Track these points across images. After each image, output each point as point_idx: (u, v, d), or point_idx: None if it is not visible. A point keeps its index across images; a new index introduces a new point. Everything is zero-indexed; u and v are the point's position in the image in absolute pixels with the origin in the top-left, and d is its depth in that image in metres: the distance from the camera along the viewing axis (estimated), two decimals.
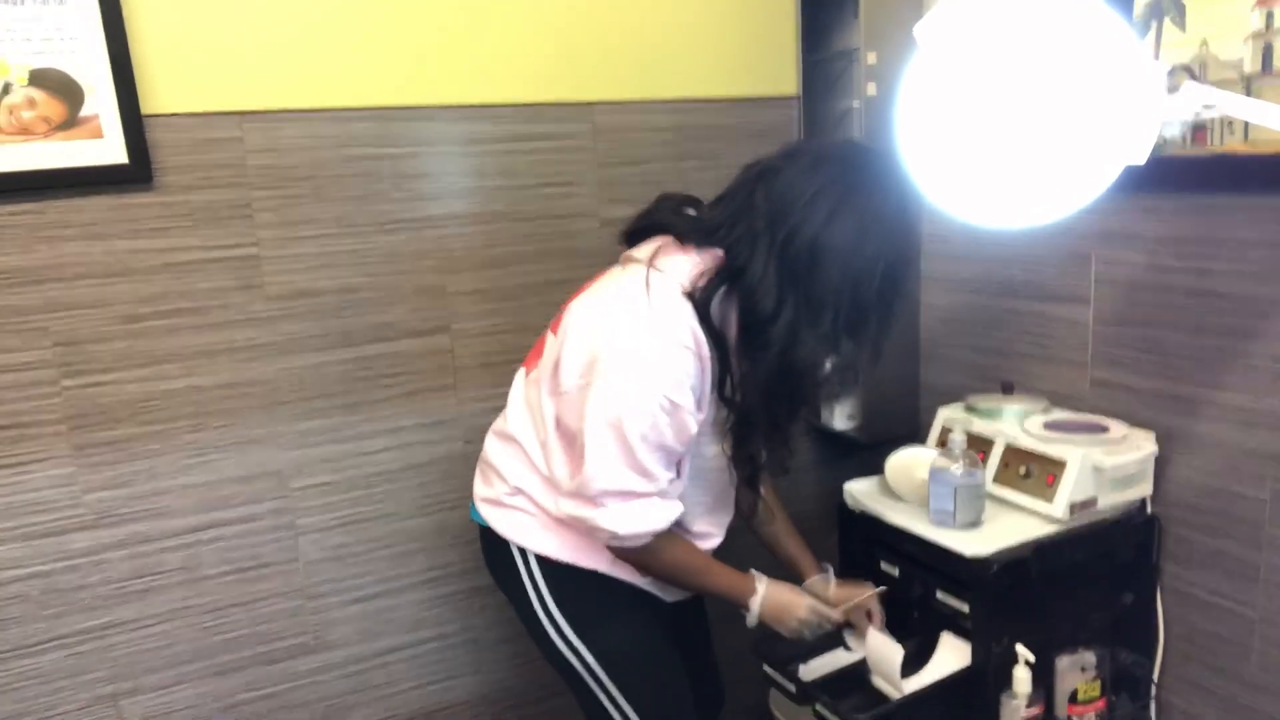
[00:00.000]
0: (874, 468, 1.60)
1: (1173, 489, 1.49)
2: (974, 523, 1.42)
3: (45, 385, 1.45)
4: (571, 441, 1.25)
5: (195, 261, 1.52)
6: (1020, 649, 1.38)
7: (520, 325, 1.77)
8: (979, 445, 1.54)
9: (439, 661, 1.83)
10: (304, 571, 1.68)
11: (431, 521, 1.77)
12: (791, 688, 1.51)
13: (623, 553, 1.29)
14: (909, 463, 1.53)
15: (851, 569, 1.60)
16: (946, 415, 1.65)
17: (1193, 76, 1.35)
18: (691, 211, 1.29)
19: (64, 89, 1.36)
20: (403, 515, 1.74)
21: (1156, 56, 1.39)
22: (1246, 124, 1.30)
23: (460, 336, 1.73)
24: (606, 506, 1.21)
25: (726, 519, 1.42)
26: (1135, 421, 1.51)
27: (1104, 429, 1.49)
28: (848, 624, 1.52)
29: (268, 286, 1.57)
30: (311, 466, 1.66)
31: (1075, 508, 1.41)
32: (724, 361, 1.21)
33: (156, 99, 1.44)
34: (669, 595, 1.42)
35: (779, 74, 1.89)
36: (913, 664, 1.46)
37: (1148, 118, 0.95)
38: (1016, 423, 1.55)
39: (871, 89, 1.72)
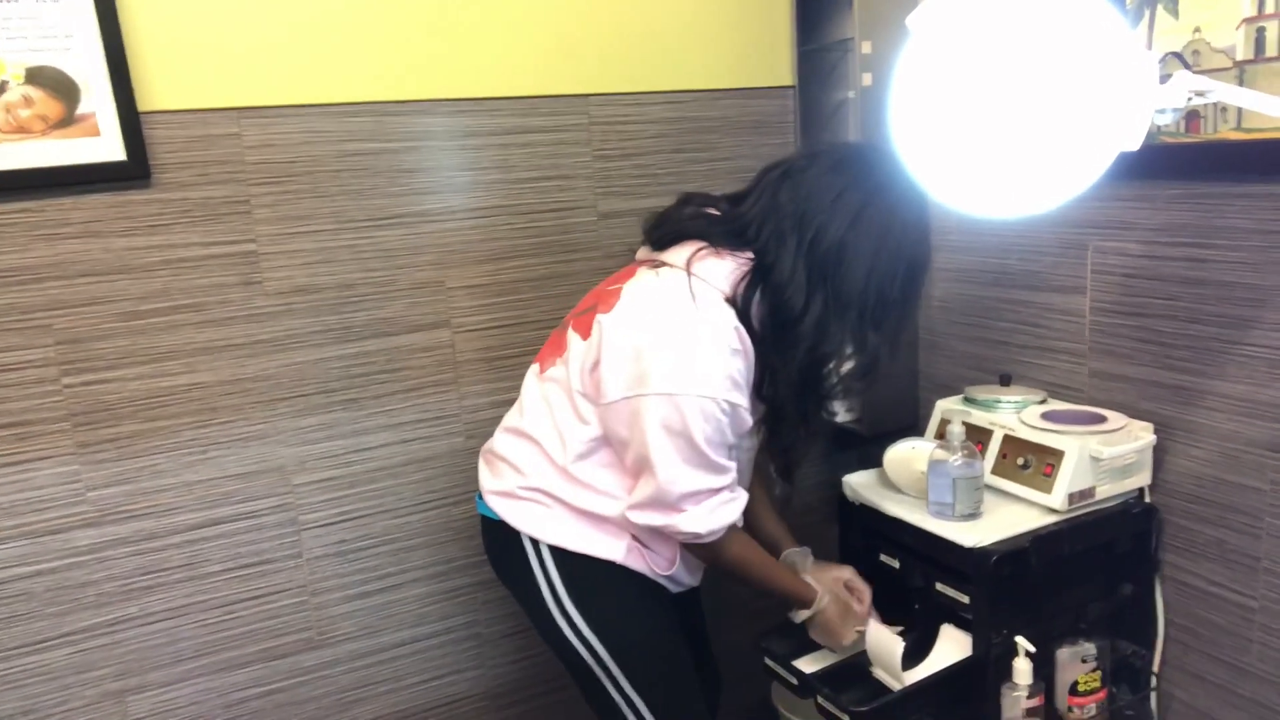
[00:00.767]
0: (873, 460, 1.60)
1: (1171, 479, 1.49)
2: (973, 514, 1.43)
3: (48, 383, 1.46)
4: (623, 449, 1.26)
5: (195, 258, 1.52)
6: (1020, 640, 1.38)
7: (520, 319, 1.77)
8: (977, 436, 1.54)
9: (443, 656, 1.84)
10: (307, 567, 1.69)
11: (434, 516, 1.77)
12: (793, 680, 1.51)
13: (697, 550, 1.32)
14: (908, 455, 1.53)
15: (852, 561, 1.60)
16: (945, 407, 1.65)
17: (1185, 64, 1.35)
18: (715, 212, 1.30)
19: (60, 87, 1.37)
20: (405, 510, 1.75)
21: (1150, 44, 1.39)
22: (1240, 111, 1.30)
23: (460, 331, 1.73)
24: (687, 510, 1.24)
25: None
26: (1133, 412, 1.51)
27: (1102, 419, 1.49)
28: None
29: (267, 282, 1.58)
30: (313, 462, 1.66)
31: (1074, 498, 1.41)
32: (762, 359, 1.24)
33: (153, 96, 1.45)
34: (674, 586, 1.42)
35: (774, 65, 1.89)
36: (913, 656, 1.46)
37: (1140, 105, 0.95)
38: (1014, 414, 1.55)
39: (867, 79, 1.72)
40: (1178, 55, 1.36)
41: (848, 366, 1.29)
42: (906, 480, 1.53)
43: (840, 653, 1.51)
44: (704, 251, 1.25)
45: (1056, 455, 1.43)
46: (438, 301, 1.70)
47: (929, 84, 1.02)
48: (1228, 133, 1.33)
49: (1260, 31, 1.27)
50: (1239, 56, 1.30)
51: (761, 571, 1.40)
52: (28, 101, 1.35)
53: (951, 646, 1.45)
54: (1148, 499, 1.51)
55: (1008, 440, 1.51)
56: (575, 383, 1.30)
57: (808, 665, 1.53)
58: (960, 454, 1.41)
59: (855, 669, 1.52)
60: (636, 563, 1.35)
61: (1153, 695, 1.55)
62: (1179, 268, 1.43)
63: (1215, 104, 1.29)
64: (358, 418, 1.68)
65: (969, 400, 1.63)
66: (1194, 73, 1.13)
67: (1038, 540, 1.38)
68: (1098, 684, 1.47)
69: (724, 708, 1.68)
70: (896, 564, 1.53)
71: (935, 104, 1.01)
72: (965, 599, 1.40)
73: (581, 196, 1.79)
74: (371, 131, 1.60)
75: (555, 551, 1.33)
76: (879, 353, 1.26)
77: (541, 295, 1.78)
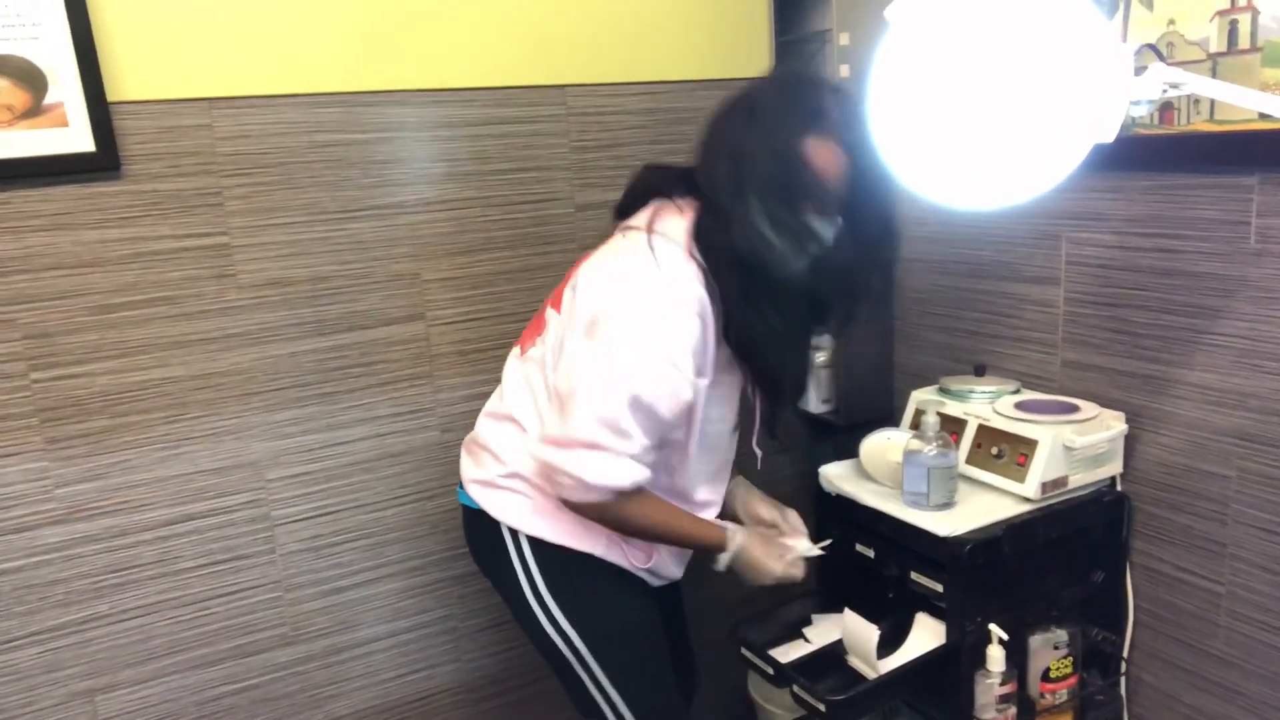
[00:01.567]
0: (849, 451, 1.61)
1: (1142, 467, 1.51)
2: (947, 503, 1.44)
3: (15, 379, 1.44)
4: (564, 401, 1.25)
5: (166, 251, 1.50)
6: (994, 628, 1.39)
7: (496, 312, 1.76)
8: (952, 426, 1.55)
9: (419, 650, 1.83)
10: (281, 563, 1.67)
11: (409, 511, 1.76)
12: (769, 670, 1.52)
13: (585, 509, 1.26)
14: (883, 445, 1.55)
15: (830, 552, 1.61)
16: (919, 397, 1.67)
17: (1159, 56, 1.36)
18: (670, 168, 1.34)
19: (27, 77, 1.34)
20: (379, 505, 1.74)
21: (1125, 36, 1.41)
22: (1213, 103, 1.32)
23: (435, 324, 1.72)
24: (575, 452, 1.21)
25: (724, 487, 1.45)
26: (1105, 401, 1.53)
27: (1074, 409, 1.51)
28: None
29: (240, 275, 1.56)
30: (287, 457, 1.65)
31: (1046, 487, 1.43)
32: (729, 311, 1.23)
33: (123, 86, 1.42)
34: (655, 580, 1.42)
35: (751, 55, 1.89)
36: (888, 644, 1.47)
37: (1115, 97, 0.96)
38: (988, 404, 1.57)
39: (844, 70, 1.72)
40: (1152, 47, 1.38)
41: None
42: (882, 470, 1.54)
43: (774, 581, 1.41)
44: (665, 209, 1.27)
45: (1030, 445, 1.44)
46: (412, 294, 1.69)
47: (907, 76, 1.02)
48: (1200, 125, 1.35)
49: (1233, 24, 1.29)
50: (1212, 49, 1.31)
51: (673, 530, 1.34)
52: None
53: (926, 635, 1.47)
54: (1119, 487, 1.53)
55: (982, 430, 1.53)
56: (552, 360, 1.30)
57: (784, 655, 1.54)
58: (935, 444, 1.42)
59: (831, 657, 1.54)
60: (616, 556, 1.35)
61: (1123, 680, 1.58)
62: (1151, 259, 1.45)
63: (1188, 96, 1.30)
64: (332, 412, 1.67)
65: (943, 391, 1.65)
66: (1168, 65, 1.14)
67: (1011, 529, 1.39)
68: (1069, 670, 1.49)
69: (701, 697, 1.69)
70: (872, 553, 1.54)
71: (913, 96, 1.02)
72: (939, 587, 1.42)
73: (558, 188, 1.78)
74: (345, 122, 1.58)
75: (534, 543, 1.33)
76: (830, 255, 1.25)
77: (518, 288, 1.77)
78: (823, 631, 1.59)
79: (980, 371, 1.66)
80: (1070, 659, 1.49)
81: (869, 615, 1.48)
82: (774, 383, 1.34)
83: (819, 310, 1.34)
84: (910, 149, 1.04)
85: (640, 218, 1.29)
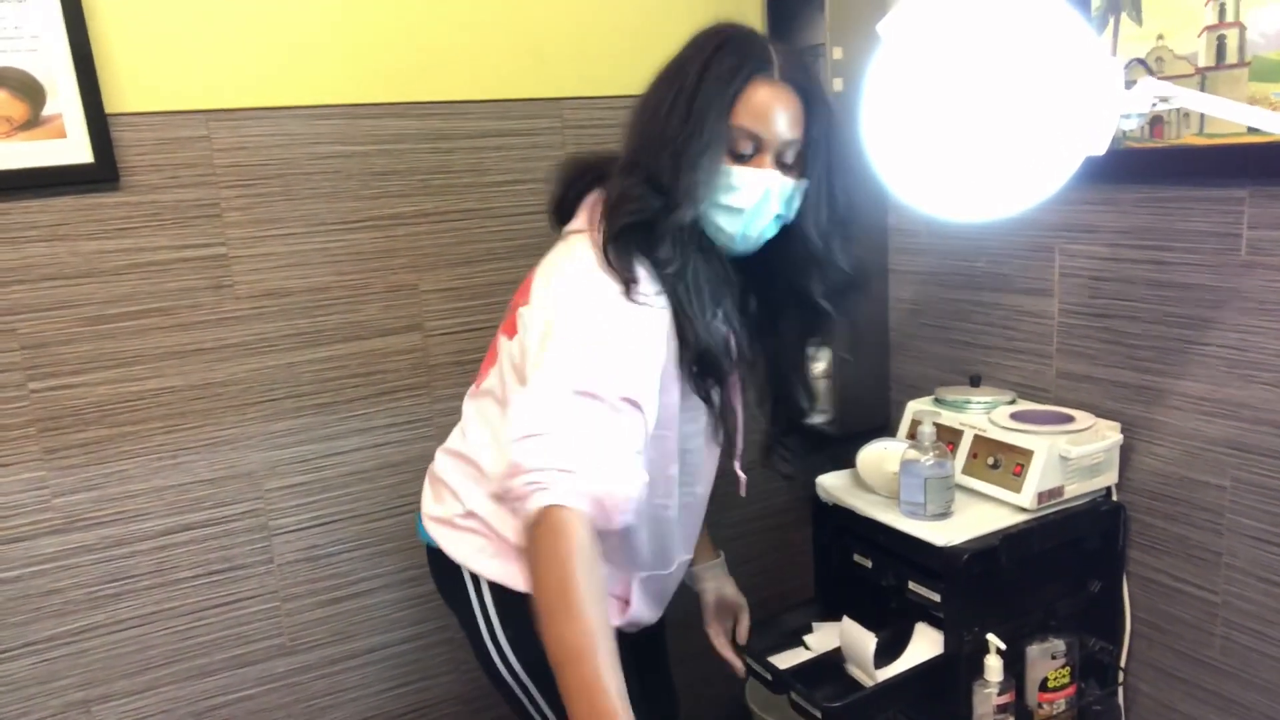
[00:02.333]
0: (846, 461, 1.62)
1: (1137, 477, 1.52)
2: (944, 513, 1.44)
3: (12, 389, 1.44)
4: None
5: (164, 261, 1.51)
6: (991, 638, 1.39)
7: (494, 323, 1.74)
8: (948, 437, 1.56)
9: (415, 661, 1.83)
10: (278, 573, 1.67)
11: (406, 521, 1.76)
12: (768, 676, 1.52)
13: (536, 533, 0.95)
14: (880, 455, 1.55)
15: (825, 562, 1.62)
16: (915, 408, 1.67)
17: (1149, 70, 1.38)
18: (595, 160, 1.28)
19: (25, 88, 1.35)
20: (377, 515, 1.74)
21: (1114, 51, 1.42)
22: (1202, 117, 1.33)
23: (433, 335, 1.73)
24: (529, 441, 0.98)
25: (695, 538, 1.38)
26: (1100, 412, 1.54)
27: (1070, 419, 1.51)
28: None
29: (237, 286, 1.56)
30: (284, 467, 1.65)
31: (1043, 497, 1.44)
32: (687, 305, 1.13)
33: (121, 98, 1.43)
34: (629, 628, 1.33)
35: None
36: (887, 653, 1.47)
37: (1105, 111, 0.97)
38: (984, 414, 1.57)
39: (838, 84, 1.73)
40: (1142, 62, 1.39)
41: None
42: (879, 480, 1.55)
43: None
44: (599, 204, 1.17)
45: (1026, 455, 1.45)
46: (410, 305, 1.70)
47: (899, 90, 1.03)
48: (1190, 138, 1.36)
49: (1221, 39, 1.30)
50: (1201, 63, 1.33)
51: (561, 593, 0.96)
52: None
53: (925, 644, 1.47)
54: (1115, 497, 1.53)
55: (978, 440, 1.53)
56: (511, 385, 1.20)
57: (783, 661, 1.54)
58: (931, 454, 1.42)
59: (830, 666, 1.54)
60: None
61: (1120, 690, 1.58)
62: (1143, 270, 1.46)
63: (1178, 110, 1.32)
64: (329, 422, 1.67)
65: (939, 401, 1.65)
66: (1157, 79, 1.15)
67: (1008, 539, 1.40)
68: (1067, 680, 1.49)
69: (698, 708, 1.69)
70: (869, 563, 1.55)
71: (905, 110, 1.03)
72: (937, 597, 1.42)
73: None
74: (343, 134, 1.59)
75: (495, 589, 1.24)
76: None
77: None
78: (823, 639, 1.59)
79: (976, 382, 1.67)
80: (1068, 669, 1.49)
81: (868, 625, 1.49)
82: (759, 396, 1.28)
83: (797, 307, 1.26)
84: (904, 162, 1.05)
85: (580, 219, 1.21)
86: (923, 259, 1.84)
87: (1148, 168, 1.42)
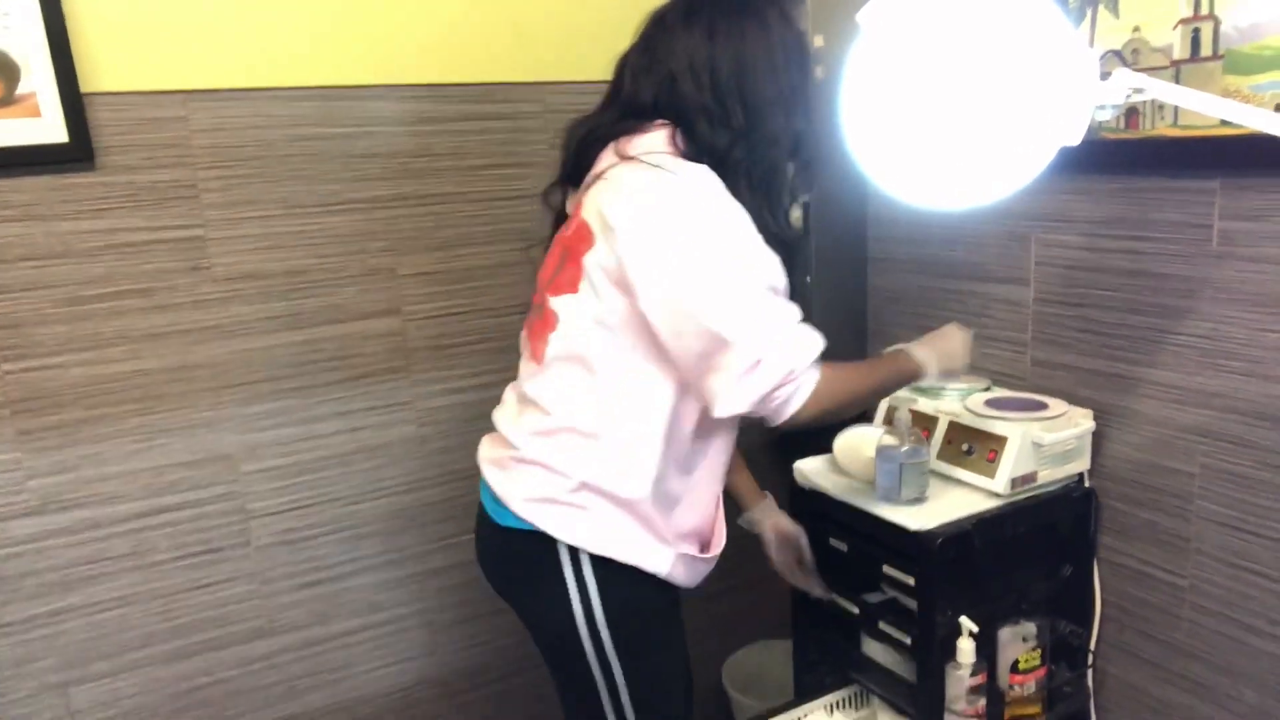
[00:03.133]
0: (824, 446, 1.63)
1: (1109, 464, 1.54)
2: (919, 498, 1.46)
3: None
4: (685, 352, 1.15)
5: (140, 243, 1.49)
6: (964, 620, 1.42)
7: (473, 307, 1.77)
8: (923, 423, 1.58)
9: (394, 644, 1.83)
10: (256, 555, 1.67)
11: (385, 504, 1.77)
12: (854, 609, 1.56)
13: (810, 407, 1.16)
14: (856, 441, 1.57)
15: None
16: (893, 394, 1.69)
17: (1124, 62, 1.39)
18: (602, 116, 1.28)
19: None
20: (355, 498, 1.74)
21: (1091, 42, 1.43)
22: (1177, 109, 1.35)
23: (412, 319, 1.72)
24: (767, 360, 1.12)
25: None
26: (1074, 399, 1.56)
27: (1043, 406, 1.53)
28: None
29: (215, 268, 1.55)
30: (262, 450, 1.65)
31: (1016, 482, 1.45)
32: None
33: (97, 77, 1.42)
34: (689, 591, 1.35)
35: None
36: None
37: (1081, 101, 0.98)
38: (959, 401, 1.59)
39: (819, 72, 1.74)
40: (1117, 53, 1.40)
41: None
42: (855, 466, 1.56)
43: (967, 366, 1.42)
44: (628, 142, 1.20)
45: (999, 441, 1.47)
46: (389, 288, 1.69)
47: (878, 79, 1.04)
48: (1165, 129, 1.38)
49: (1195, 32, 1.32)
50: (1176, 55, 1.34)
51: (870, 375, 1.30)
52: None
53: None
54: (1087, 483, 1.56)
55: (953, 426, 1.55)
56: (593, 345, 1.19)
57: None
58: (907, 440, 1.44)
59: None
60: (676, 572, 1.27)
61: (1090, 672, 1.61)
62: (1118, 259, 1.48)
63: (1153, 101, 1.33)
64: (307, 405, 1.67)
65: (915, 388, 1.66)
66: (1133, 70, 1.16)
67: (981, 523, 1.42)
68: (1038, 662, 1.52)
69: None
70: (845, 547, 1.56)
71: (884, 99, 1.03)
72: (911, 580, 1.44)
73: (537, 184, 1.76)
74: (322, 116, 1.58)
75: (596, 562, 1.22)
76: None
77: (495, 283, 1.78)
78: None
79: None
80: (1039, 651, 1.51)
81: (845, 604, 1.50)
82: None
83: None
84: (882, 151, 1.06)
85: (606, 162, 1.21)
86: (901, 248, 1.85)
87: (1122, 158, 1.44)
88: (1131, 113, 1.40)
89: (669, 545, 1.25)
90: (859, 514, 1.49)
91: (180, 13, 1.46)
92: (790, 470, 1.65)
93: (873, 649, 1.62)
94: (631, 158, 1.18)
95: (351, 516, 1.74)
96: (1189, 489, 1.43)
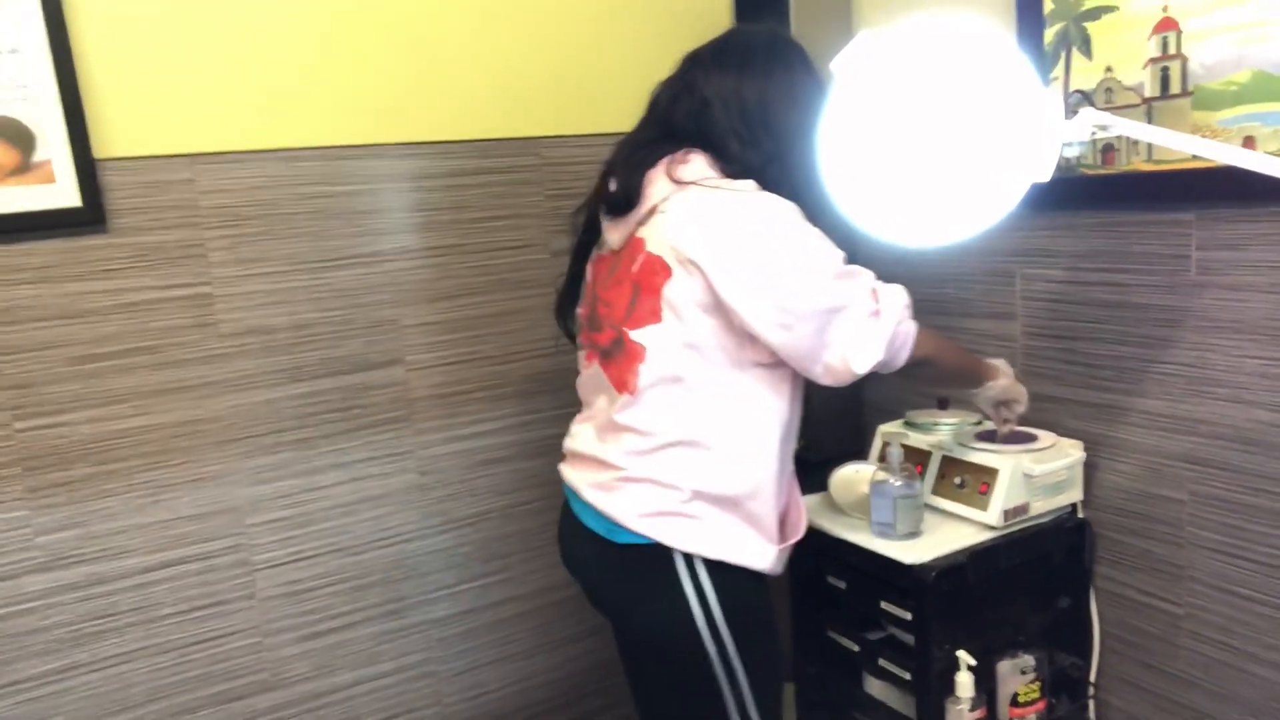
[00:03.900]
0: (819, 484, 1.65)
1: (1101, 494, 1.56)
2: (913, 532, 1.48)
3: None
4: (798, 344, 1.22)
5: (149, 301, 1.54)
6: (962, 654, 1.42)
7: (474, 355, 1.80)
8: (916, 458, 1.60)
9: (398, 695, 1.83)
10: (260, 608, 1.69)
11: (388, 554, 1.78)
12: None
13: (911, 351, 1.28)
14: (851, 478, 1.59)
15: (799, 582, 1.64)
16: (885, 430, 1.71)
17: (1089, 101, 1.44)
18: (641, 144, 1.35)
19: (17, 136, 1.39)
20: (358, 548, 1.76)
21: (1066, 83, 1.48)
22: (1150, 144, 1.39)
23: (414, 369, 1.76)
24: (883, 306, 1.24)
25: None
26: (1064, 431, 1.59)
27: (1034, 438, 1.56)
28: None
29: (221, 324, 1.59)
30: (266, 502, 1.67)
31: (1008, 514, 1.47)
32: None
33: (109, 143, 1.47)
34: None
35: None
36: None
37: (1048, 140, 1.02)
38: (951, 435, 1.62)
39: None
40: (1083, 93, 1.46)
41: None
42: (850, 502, 1.58)
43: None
44: (677, 169, 1.27)
45: (991, 474, 1.49)
46: (391, 339, 1.73)
47: (853, 123, 1.08)
48: (1139, 164, 1.42)
49: (1165, 70, 1.37)
50: (1147, 94, 1.39)
51: (949, 346, 1.43)
52: None
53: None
54: (1080, 514, 1.57)
55: (945, 461, 1.57)
56: (688, 366, 1.25)
57: None
58: (900, 475, 1.46)
59: None
60: (776, 565, 1.33)
61: (1091, 704, 1.61)
62: (1100, 292, 1.51)
63: (1128, 138, 1.38)
64: (310, 457, 1.70)
65: (909, 424, 1.69)
66: (1107, 109, 1.21)
67: (975, 556, 1.43)
68: (1037, 694, 1.52)
69: None
70: (843, 584, 1.58)
71: (860, 142, 1.08)
72: (908, 615, 1.45)
73: (534, 235, 1.84)
74: (325, 175, 1.64)
75: (712, 567, 1.28)
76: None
77: (495, 331, 1.82)
78: None
79: (944, 404, 1.71)
80: (1038, 683, 1.52)
81: (845, 642, 1.51)
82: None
83: None
84: (861, 193, 1.10)
85: (659, 189, 1.27)
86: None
87: (1100, 193, 1.48)
88: (1108, 149, 1.45)
89: (773, 543, 1.32)
90: (855, 550, 1.51)
91: (186, 80, 1.52)
92: None
93: (874, 687, 1.62)
94: (688, 182, 1.26)
95: (355, 566, 1.76)
96: (1180, 516, 1.45)
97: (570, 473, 1.40)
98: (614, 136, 1.85)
